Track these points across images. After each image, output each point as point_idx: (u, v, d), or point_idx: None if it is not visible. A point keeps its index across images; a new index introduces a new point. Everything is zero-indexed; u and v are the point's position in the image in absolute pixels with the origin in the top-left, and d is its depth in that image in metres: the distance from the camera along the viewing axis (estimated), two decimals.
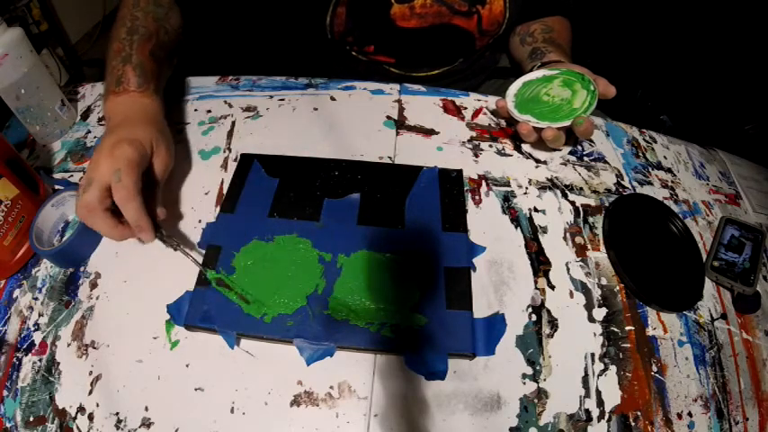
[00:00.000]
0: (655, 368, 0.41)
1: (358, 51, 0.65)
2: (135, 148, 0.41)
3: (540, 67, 0.59)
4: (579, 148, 0.57)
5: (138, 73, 0.48)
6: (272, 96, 0.60)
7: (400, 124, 0.57)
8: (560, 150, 0.56)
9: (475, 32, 0.65)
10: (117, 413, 0.36)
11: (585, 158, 0.56)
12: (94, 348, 0.40)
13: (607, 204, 0.51)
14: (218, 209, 0.48)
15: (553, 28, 0.68)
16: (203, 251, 0.44)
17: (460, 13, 0.61)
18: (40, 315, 0.42)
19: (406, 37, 0.62)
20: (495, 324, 0.41)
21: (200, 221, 0.47)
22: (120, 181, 0.39)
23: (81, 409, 0.37)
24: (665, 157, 0.59)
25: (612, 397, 0.39)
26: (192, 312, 0.40)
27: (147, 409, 0.37)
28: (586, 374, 0.39)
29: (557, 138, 0.50)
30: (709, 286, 0.47)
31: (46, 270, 0.45)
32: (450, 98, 0.61)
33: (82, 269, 0.44)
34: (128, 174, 0.39)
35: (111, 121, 0.47)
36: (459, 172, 0.51)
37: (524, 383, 0.38)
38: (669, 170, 0.57)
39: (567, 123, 0.50)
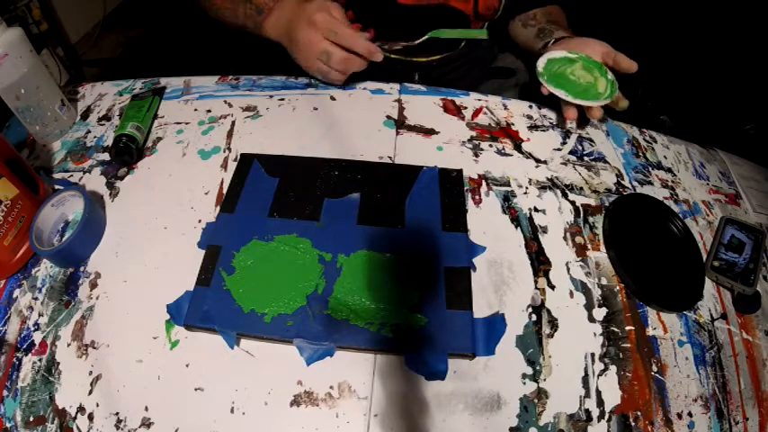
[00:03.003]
0: (655, 368, 0.41)
1: None
2: (321, 8, 0.52)
3: (554, 42, 0.61)
4: (579, 147, 0.57)
5: None
6: (271, 96, 0.60)
7: (400, 124, 0.57)
8: (560, 150, 0.56)
9: (471, 16, 0.66)
10: (117, 413, 0.36)
11: (586, 158, 0.56)
12: (94, 348, 0.40)
13: (607, 204, 0.51)
14: (218, 209, 0.48)
15: (552, 12, 0.71)
16: (203, 251, 0.44)
17: None
18: (40, 315, 0.42)
19: (405, 16, 0.63)
20: (495, 324, 0.41)
21: (200, 221, 0.47)
22: (337, 33, 0.50)
23: (81, 409, 0.37)
24: (665, 157, 0.59)
25: (612, 397, 0.38)
26: (192, 312, 0.40)
27: (147, 409, 0.37)
28: (586, 374, 0.39)
29: (600, 115, 0.54)
30: (709, 286, 0.47)
31: (46, 270, 0.45)
32: (450, 98, 0.61)
33: (82, 269, 0.44)
34: (339, 24, 0.51)
35: (281, 21, 0.56)
36: (459, 172, 0.51)
37: (524, 383, 0.38)
38: (669, 170, 0.57)
39: (602, 103, 0.52)
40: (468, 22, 0.67)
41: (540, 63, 0.55)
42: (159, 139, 0.55)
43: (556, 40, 0.62)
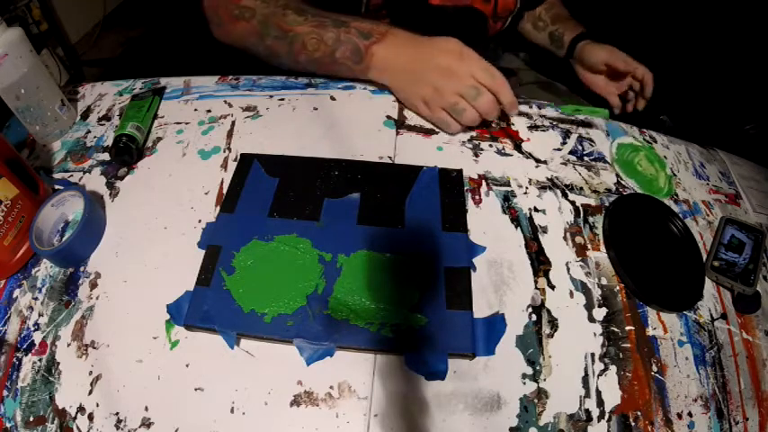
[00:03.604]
0: (655, 368, 0.41)
1: None
2: (465, 45, 0.50)
3: (572, 45, 0.73)
4: (579, 147, 0.57)
5: (366, 21, 0.54)
6: (271, 96, 0.60)
7: (400, 124, 0.57)
8: (560, 150, 0.56)
9: (490, 16, 0.68)
10: (117, 413, 0.36)
11: (586, 158, 0.56)
12: (94, 348, 0.40)
13: (607, 204, 0.51)
14: (218, 209, 0.48)
15: (552, 4, 0.78)
16: (203, 251, 0.44)
17: None
18: (40, 315, 0.42)
19: (432, 16, 0.63)
20: (495, 324, 0.41)
21: (200, 221, 0.47)
22: (494, 75, 0.49)
23: (81, 409, 0.37)
24: (665, 157, 0.59)
25: (612, 397, 0.39)
26: (192, 312, 0.40)
27: (147, 409, 0.37)
28: (586, 374, 0.39)
29: None
30: (709, 286, 0.47)
31: (46, 270, 0.45)
32: None
33: (82, 269, 0.44)
34: (489, 64, 0.50)
35: (402, 47, 0.53)
36: (459, 172, 0.51)
37: (524, 383, 0.38)
38: (670, 170, 0.57)
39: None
40: (486, 26, 0.69)
41: (613, 151, 0.57)
42: (159, 139, 0.55)
43: (570, 50, 0.73)
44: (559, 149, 0.56)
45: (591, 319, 0.43)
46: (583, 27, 0.76)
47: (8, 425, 0.37)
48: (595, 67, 0.71)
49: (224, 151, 0.53)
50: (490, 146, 0.55)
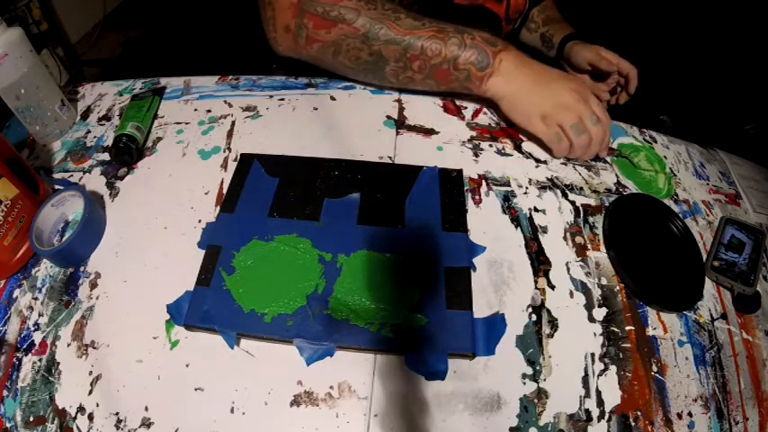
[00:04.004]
0: (655, 368, 0.41)
1: None
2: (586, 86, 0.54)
3: (561, 45, 0.74)
4: None
5: (484, 32, 0.53)
6: (271, 96, 0.60)
7: (400, 124, 0.57)
8: None
9: (503, 18, 0.69)
10: (117, 413, 0.36)
11: None
12: (94, 348, 0.40)
13: (607, 204, 0.51)
14: (218, 209, 0.48)
15: (545, 6, 0.80)
16: (203, 251, 0.44)
17: None
18: (40, 315, 0.42)
19: (453, 15, 0.63)
20: (495, 324, 0.41)
21: (200, 221, 0.47)
22: (605, 113, 0.52)
23: (81, 409, 0.37)
24: (665, 157, 0.59)
25: (612, 397, 0.39)
26: (192, 312, 0.40)
27: (147, 409, 0.37)
28: (586, 374, 0.39)
29: None
30: (709, 286, 0.47)
31: (46, 270, 0.45)
32: (450, 98, 0.61)
33: (82, 269, 0.44)
34: (603, 106, 0.53)
35: (527, 63, 0.53)
36: (459, 172, 0.51)
37: (524, 383, 0.38)
38: (669, 170, 0.57)
39: None
40: (500, 27, 0.71)
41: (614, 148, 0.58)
42: (159, 139, 0.55)
43: (560, 48, 0.74)
44: None
45: (591, 319, 0.43)
46: (572, 29, 0.78)
47: (8, 425, 0.37)
48: (581, 67, 0.73)
49: (224, 151, 0.53)
50: (490, 146, 0.55)
